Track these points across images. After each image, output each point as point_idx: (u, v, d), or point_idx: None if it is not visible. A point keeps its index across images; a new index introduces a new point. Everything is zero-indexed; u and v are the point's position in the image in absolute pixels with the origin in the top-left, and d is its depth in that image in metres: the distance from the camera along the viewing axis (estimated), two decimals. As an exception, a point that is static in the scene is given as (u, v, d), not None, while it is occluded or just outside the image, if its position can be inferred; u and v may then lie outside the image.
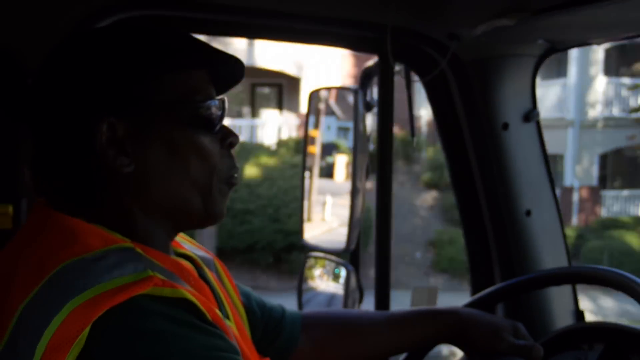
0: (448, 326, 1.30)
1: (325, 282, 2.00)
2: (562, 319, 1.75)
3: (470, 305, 1.43)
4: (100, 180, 0.93)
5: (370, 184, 1.84)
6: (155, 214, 0.96)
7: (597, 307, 11.96)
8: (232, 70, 1.05)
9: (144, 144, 0.93)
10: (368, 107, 1.90)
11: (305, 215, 2.03)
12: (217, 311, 0.90)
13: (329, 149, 2.14)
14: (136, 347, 0.78)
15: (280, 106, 21.25)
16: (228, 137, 1.01)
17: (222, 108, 1.00)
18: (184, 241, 1.15)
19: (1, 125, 1.35)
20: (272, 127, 19.38)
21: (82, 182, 0.93)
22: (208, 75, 1.00)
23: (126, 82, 0.92)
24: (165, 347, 0.78)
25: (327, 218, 2.09)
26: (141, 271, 0.84)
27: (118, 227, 0.93)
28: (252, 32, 1.68)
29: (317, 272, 2.03)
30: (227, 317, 1.03)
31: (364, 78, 1.93)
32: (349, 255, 1.97)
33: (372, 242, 1.78)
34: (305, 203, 2.03)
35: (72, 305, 0.79)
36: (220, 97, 1.02)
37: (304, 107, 16.26)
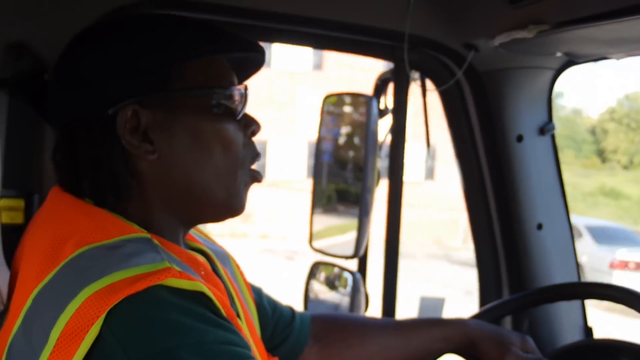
0: (456, 336, 1.30)
1: (332, 288, 2.00)
2: (571, 335, 1.74)
3: (477, 317, 1.42)
4: (123, 167, 0.93)
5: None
6: (176, 205, 0.96)
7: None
8: (254, 57, 1.04)
9: (168, 131, 0.93)
10: (382, 114, 1.89)
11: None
12: (231, 307, 0.89)
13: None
14: (150, 337, 0.77)
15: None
16: (251, 125, 1.01)
17: (245, 95, 1.00)
18: (199, 234, 1.15)
19: (14, 120, 1.35)
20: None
21: (106, 170, 0.93)
22: (230, 62, 1.00)
23: (151, 69, 0.92)
24: (179, 339, 0.77)
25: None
26: (159, 262, 0.83)
27: (135, 217, 0.93)
28: (271, 36, 1.68)
29: (324, 278, 2.03)
30: (238, 314, 1.03)
31: (380, 85, 1.92)
32: (357, 262, 1.96)
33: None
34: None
35: (88, 292, 0.78)
36: (242, 84, 1.01)
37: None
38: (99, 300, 0.78)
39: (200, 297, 0.83)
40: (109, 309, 0.77)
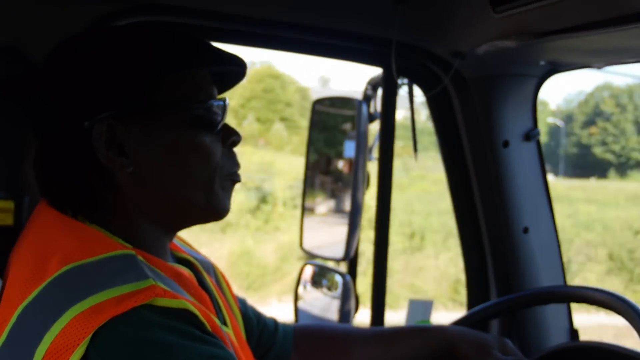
0: (436, 343, 1.30)
1: (322, 290, 2.01)
2: (557, 337, 1.76)
3: (460, 322, 1.43)
4: (100, 180, 0.93)
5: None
6: (156, 214, 0.96)
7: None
8: (234, 70, 1.04)
9: (144, 144, 0.93)
10: (371, 119, 1.91)
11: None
12: (216, 320, 0.90)
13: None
14: (136, 357, 0.78)
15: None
16: (230, 137, 1.01)
17: (224, 108, 1.00)
18: (183, 244, 1.15)
19: (4, 121, 1.36)
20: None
21: (82, 183, 0.93)
22: (210, 75, 1.00)
23: (126, 83, 0.92)
24: (165, 357, 0.78)
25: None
26: (143, 280, 0.83)
27: (119, 231, 0.93)
28: (261, 42, 1.69)
29: (314, 279, 2.04)
30: (225, 323, 1.04)
31: (370, 90, 1.94)
32: (347, 264, 1.98)
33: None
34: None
35: (73, 312, 0.79)
36: (221, 96, 1.01)
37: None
38: (84, 320, 0.78)
39: (185, 314, 0.83)
40: (94, 330, 0.77)
